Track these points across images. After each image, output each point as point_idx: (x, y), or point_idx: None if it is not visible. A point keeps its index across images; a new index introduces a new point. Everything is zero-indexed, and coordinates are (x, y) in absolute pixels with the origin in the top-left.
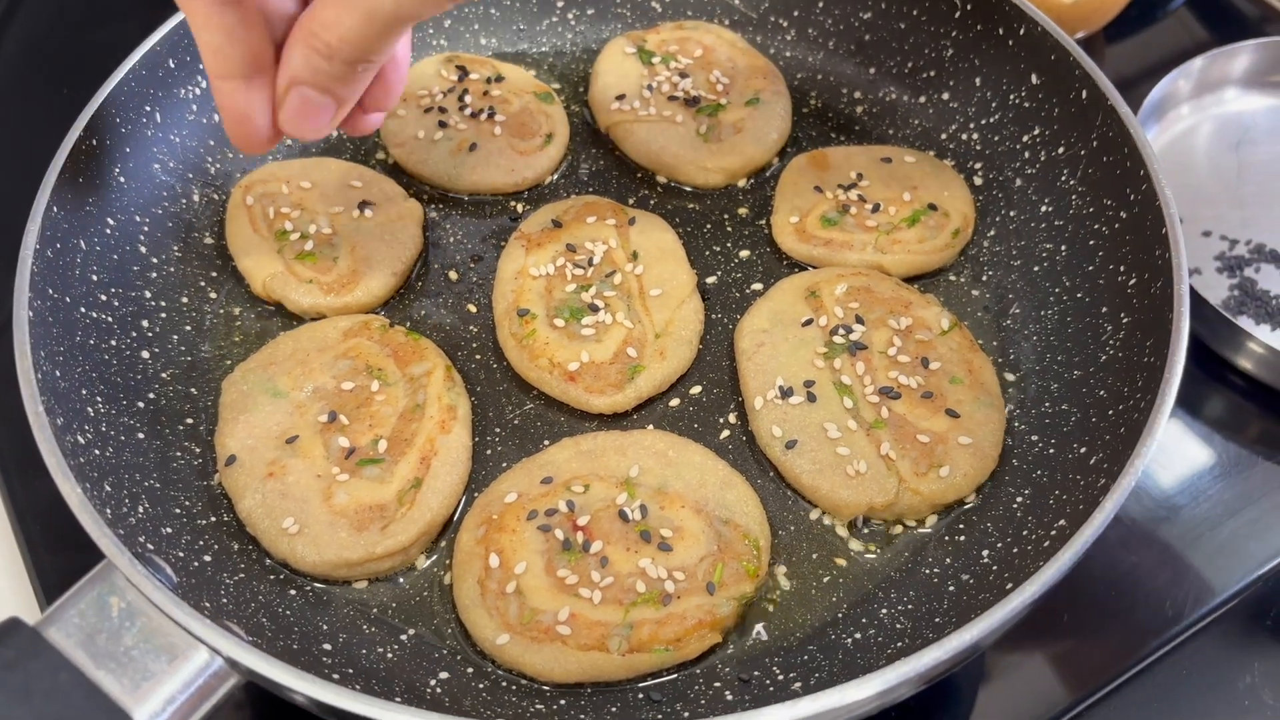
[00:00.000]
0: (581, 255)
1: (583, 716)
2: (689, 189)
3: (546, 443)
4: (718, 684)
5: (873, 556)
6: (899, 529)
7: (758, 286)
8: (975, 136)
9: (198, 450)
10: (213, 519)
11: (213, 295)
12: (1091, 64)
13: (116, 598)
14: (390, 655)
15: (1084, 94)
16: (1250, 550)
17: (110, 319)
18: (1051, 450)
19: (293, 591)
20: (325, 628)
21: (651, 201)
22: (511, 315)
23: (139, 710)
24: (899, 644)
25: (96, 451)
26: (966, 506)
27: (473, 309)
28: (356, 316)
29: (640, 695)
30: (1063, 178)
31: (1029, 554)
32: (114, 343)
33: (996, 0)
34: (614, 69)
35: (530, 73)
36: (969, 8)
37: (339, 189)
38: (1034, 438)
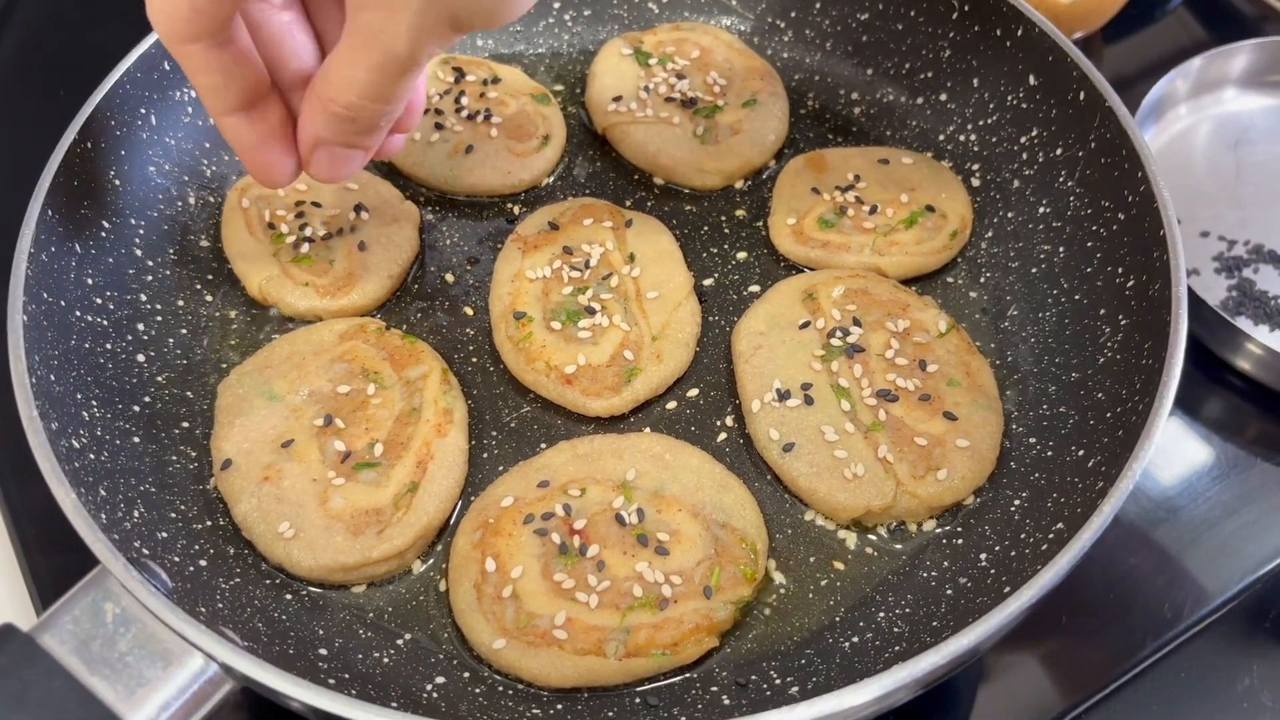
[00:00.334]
0: (578, 258)
1: None
2: (686, 191)
3: (543, 446)
4: (715, 688)
5: (870, 560)
6: (896, 532)
7: (755, 289)
8: (973, 138)
9: (193, 454)
10: (208, 523)
11: (208, 298)
12: (1089, 65)
13: (111, 603)
14: (386, 660)
15: (1082, 95)
16: (1249, 552)
17: (105, 322)
18: (1049, 453)
19: (288, 596)
20: (321, 633)
21: (648, 203)
22: (508, 318)
23: (133, 716)
24: (896, 648)
25: (91, 456)
26: (964, 509)
27: (469, 312)
28: (352, 320)
29: (637, 700)
30: (1060, 179)
31: (1027, 557)
32: (109, 346)
33: (994, 1)
34: (611, 70)
35: (527, 74)
36: (966, 9)
37: (335, 192)
38: (1032, 440)
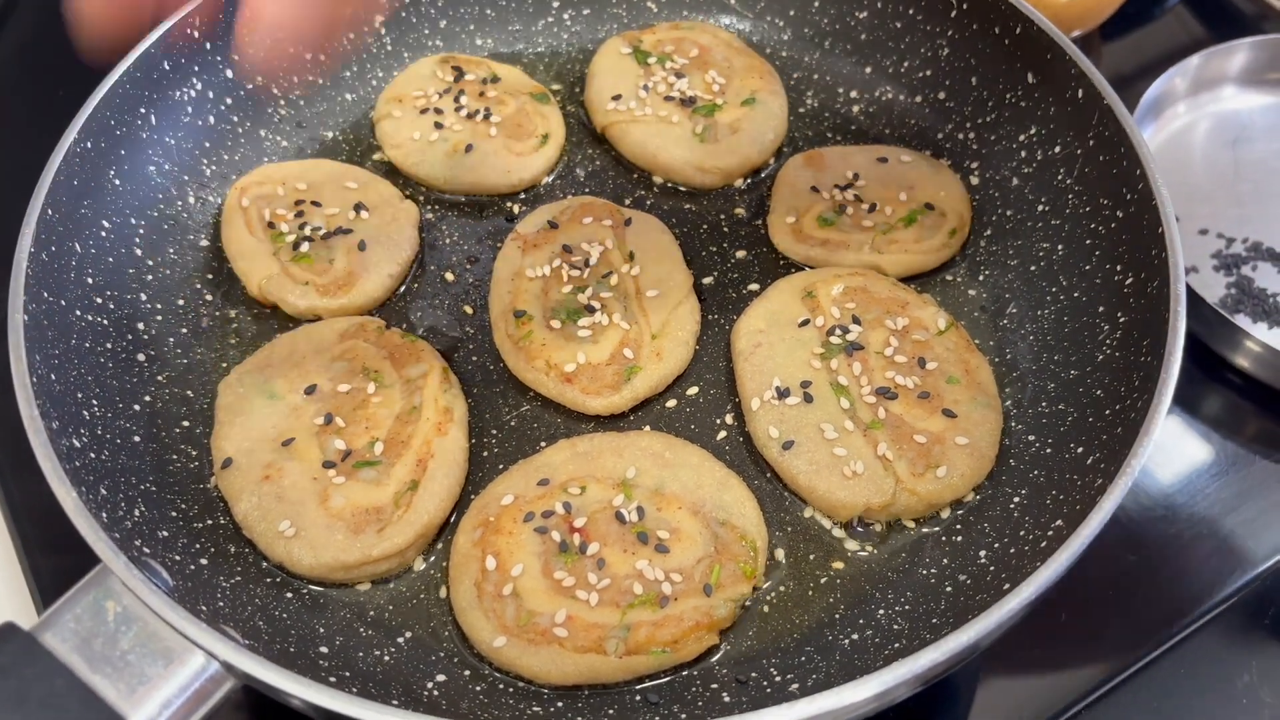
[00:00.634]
0: (578, 256)
1: (580, 718)
2: (685, 189)
3: (543, 444)
4: (715, 685)
5: (869, 557)
6: (896, 529)
7: (754, 287)
8: (972, 136)
9: (194, 453)
10: (209, 522)
11: (208, 298)
12: (1088, 63)
13: (113, 602)
14: (387, 658)
15: (1080, 93)
16: (1248, 549)
17: (106, 322)
18: (1049, 450)
19: (289, 594)
20: (322, 631)
21: (648, 202)
22: (508, 317)
23: (135, 715)
24: (896, 645)
25: (92, 455)
26: (963, 507)
27: (469, 310)
28: (353, 319)
29: (638, 697)
30: (1059, 177)
31: (1026, 554)
32: (110, 346)
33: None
34: (610, 69)
35: (526, 73)
36: (965, 7)
37: (335, 190)
38: (1031, 438)
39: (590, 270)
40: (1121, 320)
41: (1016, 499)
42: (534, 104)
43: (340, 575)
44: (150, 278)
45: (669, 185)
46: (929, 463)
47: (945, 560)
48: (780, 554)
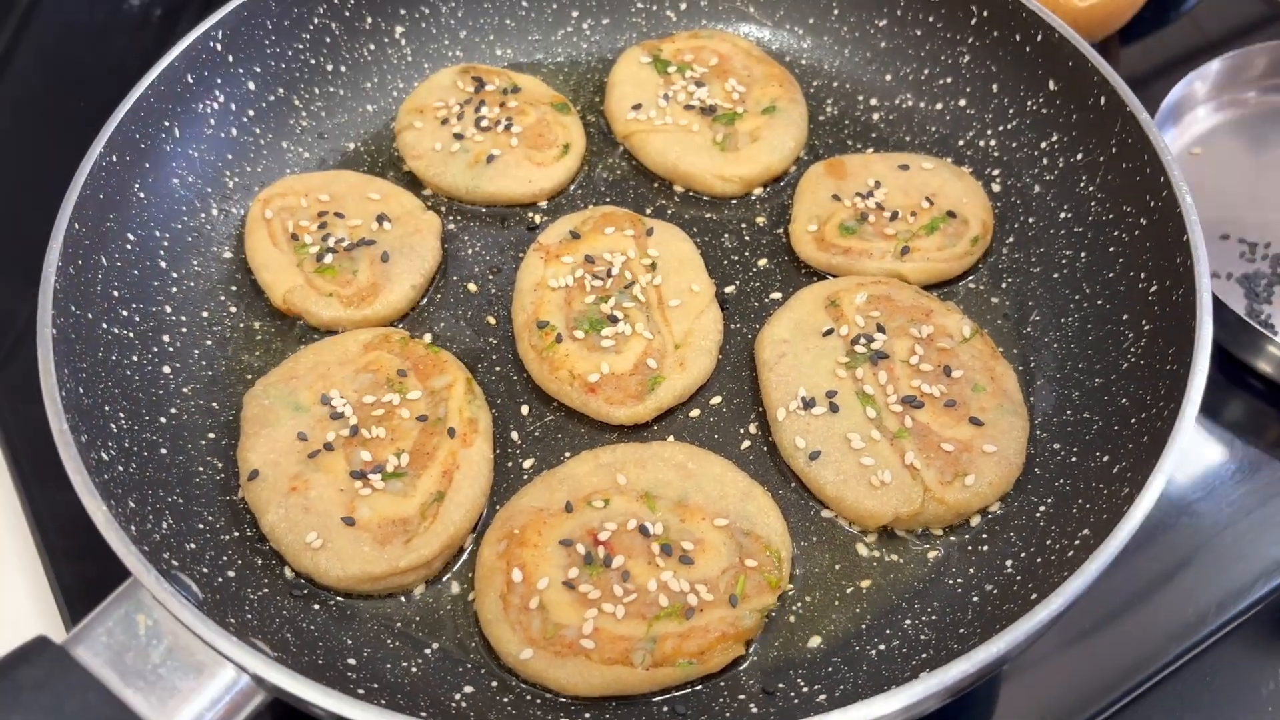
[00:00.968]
0: (600, 266)
1: None
2: (706, 198)
3: (567, 454)
4: (742, 696)
5: (896, 567)
6: (923, 539)
7: (777, 295)
8: (993, 143)
9: (220, 465)
10: (235, 534)
11: (233, 309)
12: (1110, 70)
13: (144, 615)
14: (415, 670)
15: (1102, 100)
16: (1272, 554)
17: (131, 334)
18: (1074, 459)
19: (316, 606)
20: (349, 642)
21: (669, 211)
22: (531, 327)
23: None
24: (923, 655)
25: (120, 468)
26: (990, 516)
27: (492, 321)
28: (376, 330)
29: (665, 708)
30: (1082, 184)
31: (1053, 564)
32: (135, 358)
33: (1013, 6)
34: (630, 78)
35: (546, 83)
36: (985, 14)
37: (357, 202)
38: (1056, 446)
39: (613, 280)
40: (1146, 328)
41: (1042, 508)
42: (555, 114)
43: (367, 587)
44: (175, 290)
45: (690, 194)
46: (957, 471)
47: (971, 570)
48: (805, 564)
